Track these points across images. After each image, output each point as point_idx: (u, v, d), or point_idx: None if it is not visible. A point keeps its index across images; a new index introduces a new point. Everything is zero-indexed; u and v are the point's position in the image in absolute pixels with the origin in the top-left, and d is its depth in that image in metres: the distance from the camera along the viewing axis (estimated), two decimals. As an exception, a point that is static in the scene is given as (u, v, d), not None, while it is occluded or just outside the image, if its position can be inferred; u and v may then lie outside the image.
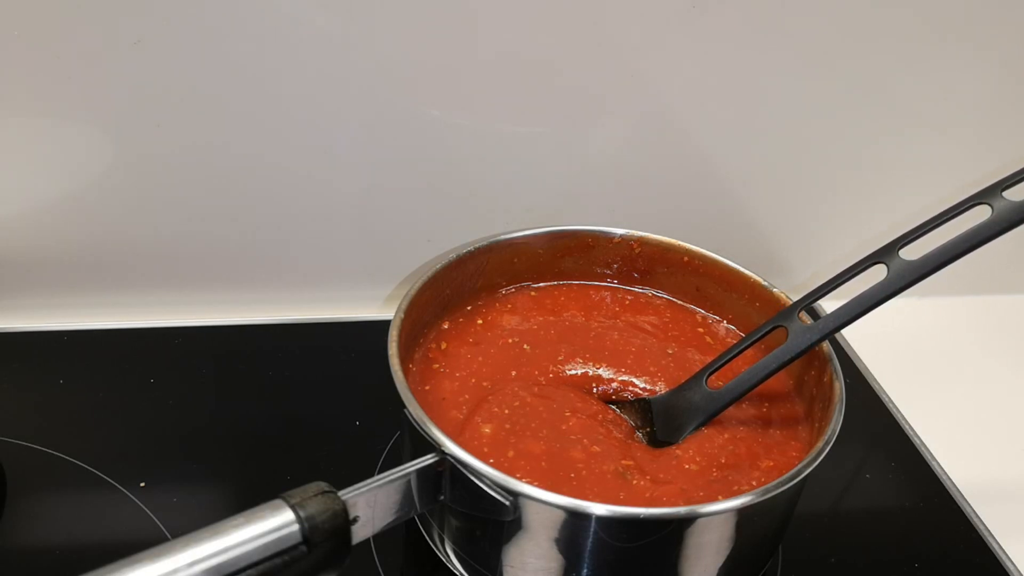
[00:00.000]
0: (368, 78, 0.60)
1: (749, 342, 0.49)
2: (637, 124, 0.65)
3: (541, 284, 0.59)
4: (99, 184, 0.61)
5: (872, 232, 0.75)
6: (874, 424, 0.64)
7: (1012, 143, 0.72)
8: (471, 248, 0.55)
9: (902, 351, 0.72)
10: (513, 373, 0.52)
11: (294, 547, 0.31)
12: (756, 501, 0.40)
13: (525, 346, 0.54)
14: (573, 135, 0.65)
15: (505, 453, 0.46)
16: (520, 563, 0.42)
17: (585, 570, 0.42)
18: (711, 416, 0.48)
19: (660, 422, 0.49)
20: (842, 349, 0.71)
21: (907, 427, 0.64)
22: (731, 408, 0.50)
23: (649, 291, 0.60)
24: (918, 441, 0.63)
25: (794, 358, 0.46)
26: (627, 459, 0.46)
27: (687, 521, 0.41)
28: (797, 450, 0.49)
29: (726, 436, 0.49)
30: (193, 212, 0.64)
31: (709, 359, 0.51)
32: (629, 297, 0.59)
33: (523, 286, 0.59)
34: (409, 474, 0.39)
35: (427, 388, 0.51)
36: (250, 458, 0.56)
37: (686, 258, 0.57)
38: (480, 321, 0.56)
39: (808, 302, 0.48)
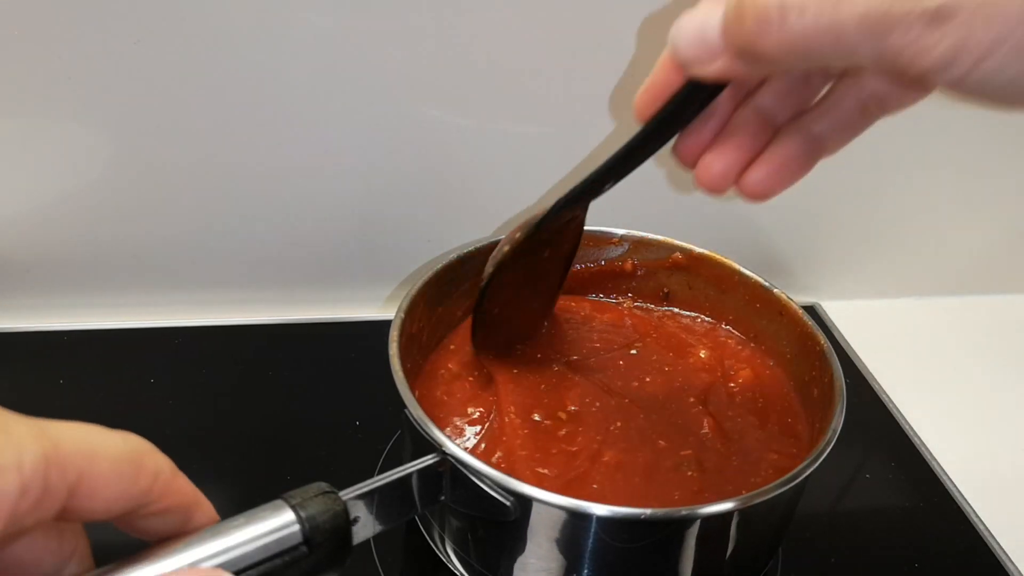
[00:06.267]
0: (368, 78, 0.60)
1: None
2: (637, 124, 0.65)
3: None
4: (99, 184, 0.61)
5: (874, 232, 0.75)
6: (874, 424, 0.64)
7: (1016, 144, 0.72)
8: (471, 248, 0.55)
9: (902, 351, 0.72)
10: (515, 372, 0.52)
11: (295, 547, 0.31)
12: (756, 501, 0.40)
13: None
14: (573, 135, 0.65)
15: (505, 453, 0.46)
16: (521, 563, 0.42)
17: (586, 570, 0.42)
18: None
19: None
20: (842, 349, 0.71)
21: (907, 427, 0.64)
22: (731, 408, 0.50)
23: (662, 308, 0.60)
24: (918, 441, 0.63)
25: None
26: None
27: (687, 522, 0.41)
28: (797, 450, 0.49)
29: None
30: (193, 212, 0.64)
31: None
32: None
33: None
34: (410, 474, 0.39)
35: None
36: (250, 458, 0.56)
37: (684, 257, 0.57)
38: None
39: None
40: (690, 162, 0.39)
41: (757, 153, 0.37)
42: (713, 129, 0.38)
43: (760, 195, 0.37)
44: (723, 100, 0.37)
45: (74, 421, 0.26)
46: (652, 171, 0.68)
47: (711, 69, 0.32)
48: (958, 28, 0.25)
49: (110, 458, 0.26)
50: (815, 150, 0.37)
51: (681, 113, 0.37)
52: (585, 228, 0.58)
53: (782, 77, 0.37)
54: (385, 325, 0.47)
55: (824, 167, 0.70)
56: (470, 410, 0.49)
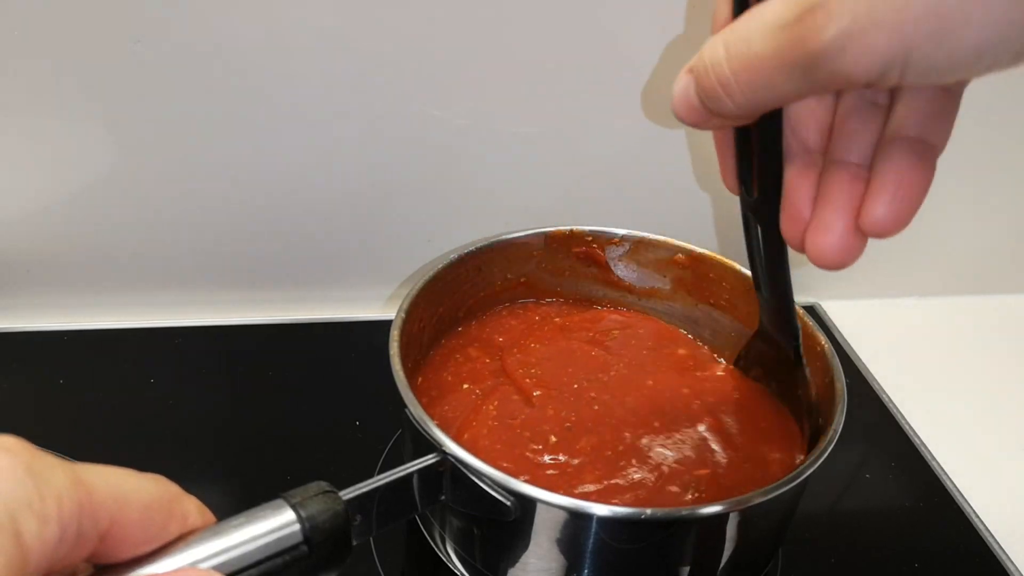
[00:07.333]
0: (368, 78, 0.60)
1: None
2: (637, 124, 0.65)
3: None
4: (99, 184, 0.61)
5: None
6: (874, 424, 0.64)
7: (1017, 144, 0.72)
8: (471, 248, 0.55)
9: (902, 351, 0.72)
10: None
11: (295, 547, 0.31)
12: (756, 502, 0.40)
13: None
14: (573, 135, 0.65)
15: (506, 453, 0.46)
16: (521, 563, 0.42)
17: (586, 570, 0.42)
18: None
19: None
20: (842, 349, 0.71)
21: (907, 427, 0.64)
22: (731, 409, 0.50)
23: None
24: (918, 441, 0.63)
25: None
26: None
27: (688, 522, 0.41)
28: (798, 450, 0.49)
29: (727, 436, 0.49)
30: (193, 212, 0.64)
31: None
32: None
33: (523, 286, 0.59)
34: (410, 474, 0.39)
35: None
36: (250, 458, 0.56)
37: (686, 257, 0.57)
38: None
39: None
40: (798, 243, 0.35)
41: (861, 196, 0.32)
42: (807, 193, 0.34)
43: (892, 229, 0.32)
44: (797, 177, 0.34)
45: (106, 465, 0.26)
46: (654, 172, 0.68)
47: (712, 125, 0.34)
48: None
49: (141, 505, 0.26)
50: (925, 151, 0.32)
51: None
52: (587, 228, 0.58)
53: (831, 112, 0.33)
54: (386, 325, 0.47)
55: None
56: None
